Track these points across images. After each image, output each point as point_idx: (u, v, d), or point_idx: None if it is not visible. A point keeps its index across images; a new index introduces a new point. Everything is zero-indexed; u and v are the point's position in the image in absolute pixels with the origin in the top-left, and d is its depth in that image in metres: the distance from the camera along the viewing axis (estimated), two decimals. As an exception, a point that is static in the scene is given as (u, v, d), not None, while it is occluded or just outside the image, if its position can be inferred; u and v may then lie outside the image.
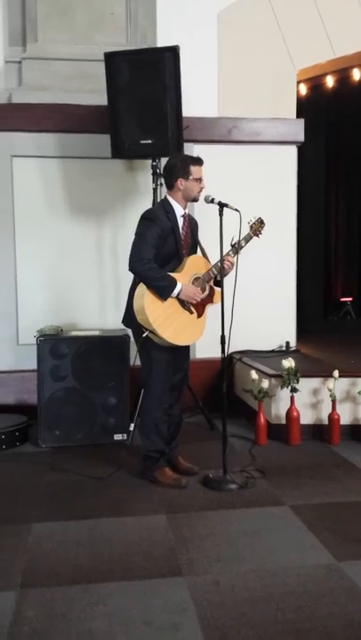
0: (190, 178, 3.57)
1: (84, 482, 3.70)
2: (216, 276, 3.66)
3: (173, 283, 3.45)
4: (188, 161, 3.61)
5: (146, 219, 3.56)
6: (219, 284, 3.65)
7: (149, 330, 3.43)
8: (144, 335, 3.46)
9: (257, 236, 3.84)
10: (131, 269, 3.49)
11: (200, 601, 2.41)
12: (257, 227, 3.83)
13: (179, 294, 3.47)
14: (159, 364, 3.55)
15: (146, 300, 3.42)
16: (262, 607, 2.36)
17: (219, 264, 3.61)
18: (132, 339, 4.00)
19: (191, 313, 3.58)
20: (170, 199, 3.63)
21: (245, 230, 3.75)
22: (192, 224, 3.74)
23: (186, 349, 3.78)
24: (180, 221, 3.62)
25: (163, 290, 3.44)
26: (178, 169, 3.59)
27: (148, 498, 3.45)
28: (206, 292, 3.65)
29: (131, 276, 3.67)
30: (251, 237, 3.80)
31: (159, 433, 3.62)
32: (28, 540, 2.96)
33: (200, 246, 3.77)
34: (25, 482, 3.74)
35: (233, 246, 3.68)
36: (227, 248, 3.65)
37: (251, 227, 3.80)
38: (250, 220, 3.79)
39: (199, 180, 3.61)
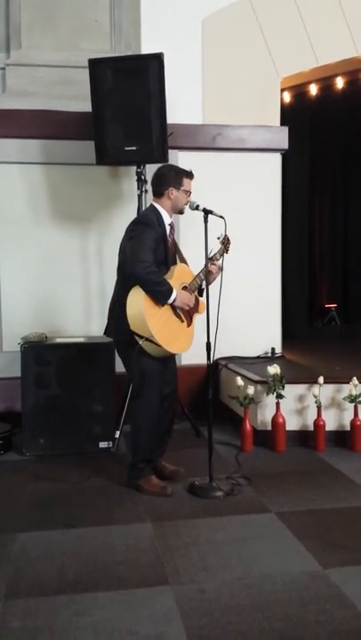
0: (181, 189, 3.60)
1: (68, 491, 3.67)
2: (200, 285, 3.66)
3: (171, 289, 3.44)
4: (181, 173, 3.66)
5: (142, 223, 3.55)
6: (201, 292, 3.67)
7: (145, 337, 3.38)
8: (140, 343, 3.40)
9: (226, 252, 3.84)
10: (131, 271, 3.39)
11: (186, 610, 2.39)
12: (225, 243, 3.84)
13: (174, 301, 3.46)
14: (151, 375, 3.51)
15: (145, 305, 3.36)
16: (249, 615, 2.35)
17: (202, 274, 3.63)
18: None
19: (182, 321, 3.58)
20: (158, 207, 3.63)
21: (219, 245, 3.78)
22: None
23: (173, 361, 3.76)
24: (168, 230, 3.63)
25: (162, 295, 3.42)
26: (171, 178, 3.61)
27: (134, 506, 3.43)
28: (193, 301, 3.66)
29: (114, 283, 3.66)
30: (223, 252, 3.82)
31: (150, 444, 3.59)
32: (13, 549, 2.93)
33: (181, 256, 3.77)
34: (9, 491, 3.70)
35: (210, 259, 3.67)
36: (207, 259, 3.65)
37: (222, 242, 3.82)
38: (219, 235, 3.76)
39: (188, 192, 3.64)
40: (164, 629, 2.28)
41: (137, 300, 3.38)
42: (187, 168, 3.73)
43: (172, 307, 3.50)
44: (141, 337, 3.39)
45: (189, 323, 3.65)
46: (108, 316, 3.71)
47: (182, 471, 3.77)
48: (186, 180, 3.64)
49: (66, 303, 5.10)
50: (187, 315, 3.61)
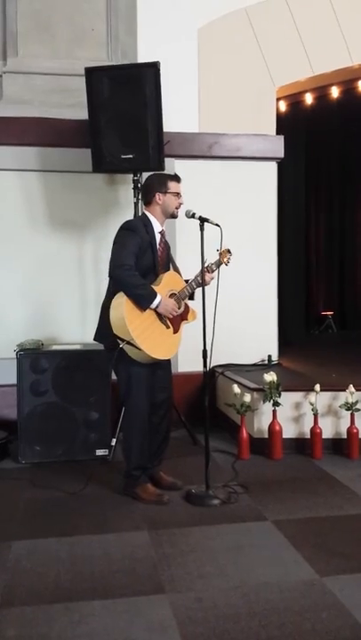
0: (168, 192, 3.61)
1: (64, 498, 3.65)
2: (193, 293, 3.66)
3: (154, 294, 3.43)
4: (165, 177, 3.68)
5: (126, 229, 3.57)
6: (191, 296, 3.66)
7: (126, 341, 3.37)
8: (121, 346, 3.39)
9: (224, 263, 3.82)
10: (112, 274, 3.45)
11: (183, 618, 2.38)
12: (223, 255, 3.81)
13: (157, 307, 3.45)
14: (138, 380, 3.51)
15: (125, 308, 3.36)
16: (245, 624, 2.34)
17: (193, 283, 3.62)
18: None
19: (167, 327, 3.57)
20: (148, 215, 3.66)
21: (216, 255, 3.76)
22: (166, 243, 3.75)
23: (167, 368, 3.74)
24: (158, 237, 3.64)
25: (143, 299, 3.40)
26: (156, 184, 3.64)
27: (130, 514, 3.42)
28: (182, 309, 3.64)
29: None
30: (220, 263, 3.80)
31: (142, 451, 3.58)
32: (8, 558, 2.91)
33: (174, 265, 3.77)
34: (4, 499, 3.68)
35: (206, 268, 3.66)
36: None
37: (220, 254, 3.79)
38: (218, 248, 3.75)
39: (177, 194, 3.64)
40: (160, 638, 2.26)
41: (120, 303, 3.39)
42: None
43: (157, 313, 3.49)
44: (123, 340, 3.38)
45: (176, 330, 3.63)
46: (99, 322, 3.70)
47: (180, 484, 3.74)
48: (172, 184, 3.63)
49: (62, 310, 5.10)
50: (174, 321, 3.60)
